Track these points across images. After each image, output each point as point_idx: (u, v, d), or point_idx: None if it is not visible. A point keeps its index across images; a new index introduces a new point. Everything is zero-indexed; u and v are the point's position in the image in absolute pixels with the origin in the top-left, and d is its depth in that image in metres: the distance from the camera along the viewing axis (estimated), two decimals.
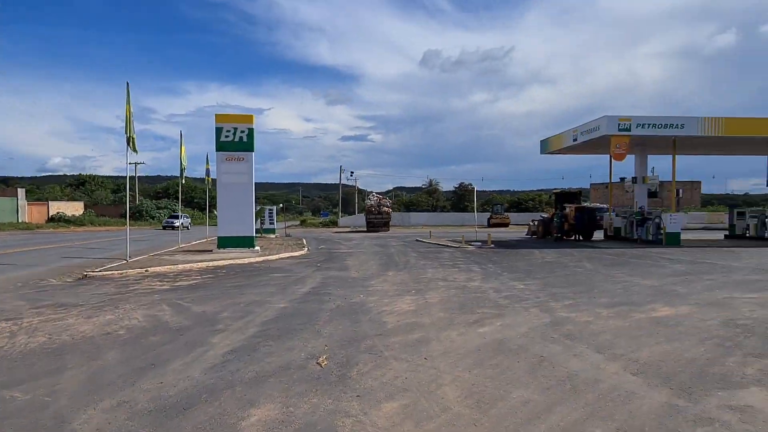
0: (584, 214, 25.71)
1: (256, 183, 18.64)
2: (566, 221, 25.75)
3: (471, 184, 77.43)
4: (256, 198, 20.03)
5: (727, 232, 28.03)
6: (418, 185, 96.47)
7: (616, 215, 28.56)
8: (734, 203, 73.13)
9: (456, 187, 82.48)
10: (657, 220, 23.63)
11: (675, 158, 23.34)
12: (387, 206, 42.04)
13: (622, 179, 36.61)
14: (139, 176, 72.32)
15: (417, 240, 27.16)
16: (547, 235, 28.01)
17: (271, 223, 33.37)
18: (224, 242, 18.30)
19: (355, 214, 61.94)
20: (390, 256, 17.48)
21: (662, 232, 22.91)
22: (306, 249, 20.90)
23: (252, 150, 18.40)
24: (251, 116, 18.54)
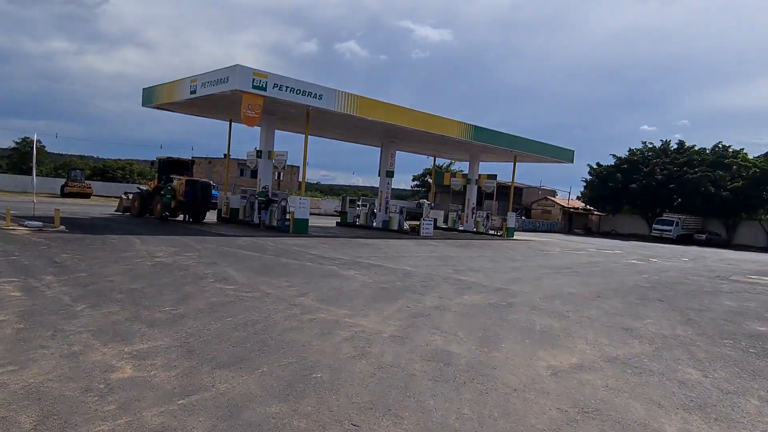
0: (197, 190, 20.12)
1: None
2: (174, 197, 19.59)
3: (40, 141, 59.86)
4: None
5: (338, 219, 27.57)
6: None
7: (233, 194, 24.27)
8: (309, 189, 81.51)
9: (18, 143, 62.08)
10: (283, 203, 20.33)
11: (307, 136, 20.41)
12: None
13: (225, 155, 32.70)
14: None
15: None
16: (146, 213, 21.24)
17: None
18: None
19: None
20: None
21: (289, 217, 19.74)
22: None
23: None
24: None
